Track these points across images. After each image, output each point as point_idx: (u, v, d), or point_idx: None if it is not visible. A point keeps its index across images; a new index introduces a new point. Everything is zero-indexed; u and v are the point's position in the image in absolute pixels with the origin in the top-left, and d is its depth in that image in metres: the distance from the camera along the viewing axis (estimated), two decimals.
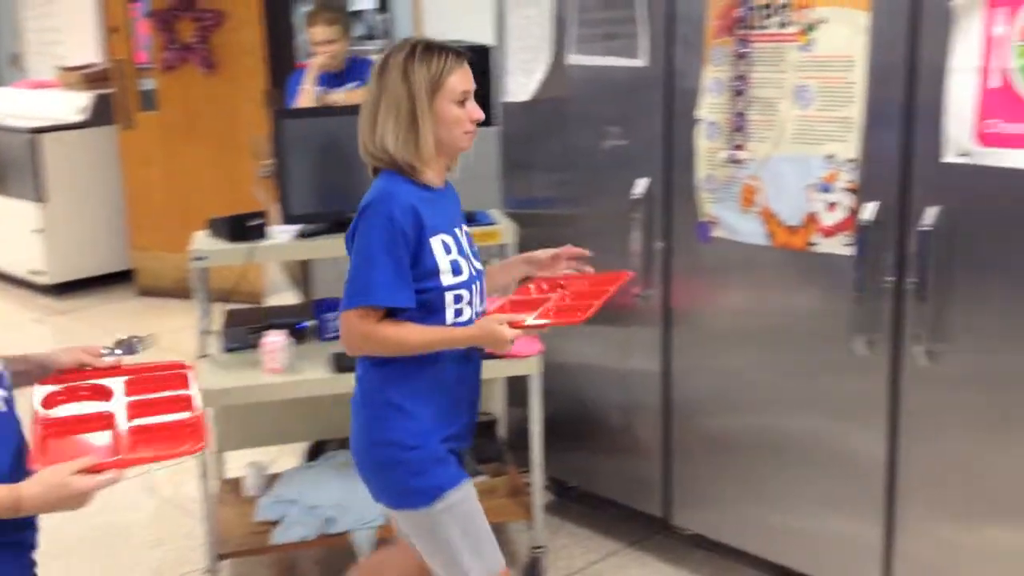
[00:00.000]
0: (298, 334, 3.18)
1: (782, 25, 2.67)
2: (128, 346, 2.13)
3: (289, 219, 3.17)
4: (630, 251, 3.02)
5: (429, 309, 2.16)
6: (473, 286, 2.23)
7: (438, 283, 2.15)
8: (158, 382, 2.00)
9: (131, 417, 1.84)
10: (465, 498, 2.23)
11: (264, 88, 5.78)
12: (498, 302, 2.39)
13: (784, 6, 2.65)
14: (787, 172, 2.71)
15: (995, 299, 2.40)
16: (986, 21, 2.31)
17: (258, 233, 3.17)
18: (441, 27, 4.72)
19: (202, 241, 3.20)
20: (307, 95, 4.23)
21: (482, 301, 2.29)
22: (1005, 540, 2.48)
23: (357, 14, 6.20)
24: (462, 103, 2.16)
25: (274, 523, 3.13)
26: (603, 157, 3.16)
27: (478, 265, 2.29)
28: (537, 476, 3.14)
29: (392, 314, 2.13)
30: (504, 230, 3.26)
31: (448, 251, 2.18)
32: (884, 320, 2.58)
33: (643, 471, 3.25)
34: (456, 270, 2.18)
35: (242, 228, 3.15)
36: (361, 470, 2.27)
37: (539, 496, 3.17)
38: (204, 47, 5.91)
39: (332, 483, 3.25)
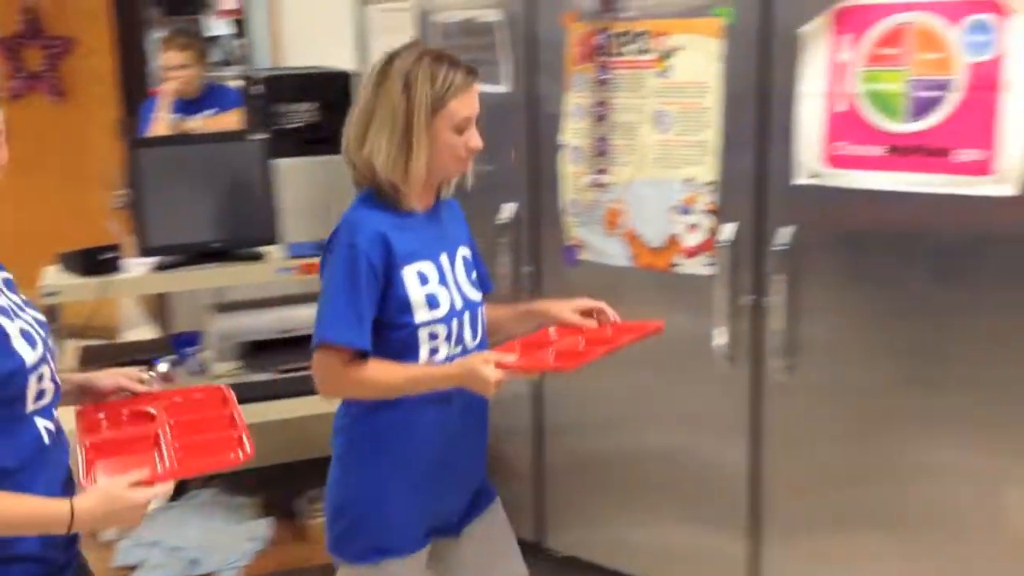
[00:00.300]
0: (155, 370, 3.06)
1: (640, 52, 2.73)
2: (165, 375, 2.04)
3: (146, 251, 3.07)
4: (499, 276, 3.03)
5: (403, 347, 1.95)
6: (456, 320, 1.99)
7: (410, 319, 1.94)
8: (198, 405, 1.96)
9: (175, 436, 1.79)
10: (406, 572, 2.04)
11: (117, 117, 5.60)
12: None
13: (641, 34, 2.71)
14: (649, 195, 2.77)
15: (847, 313, 2.49)
16: (832, 48, 2.41)
17: (111, 266, 3.06)
18: (300, 53, 4.67)
19: (53, 276, 3.07)
20: (162, 123, 4.11)
21: (476, 335, 2.06)
22: (868, 547, 2.57)
23: (214, 40, 6.07)
24: (461, 130, 1.96)
25: (134, 567, 3.01)
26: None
27: (473, 294, 2.06)
28: None
29: (367, 352, 1.93)
30: None
31: (424, 282, 1.96)
32: (744, 337, 2.66)
33: (516, 496, 3.25)
34: (432, 303, 1.96)
35: (95, 262, 3.04)
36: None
37: None
38: (53, 75, 5.71)
39: (195, 523, 3.14)
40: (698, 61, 2.62)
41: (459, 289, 2.02)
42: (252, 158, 3.27)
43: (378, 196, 1.96)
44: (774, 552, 2.74)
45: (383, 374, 1.91)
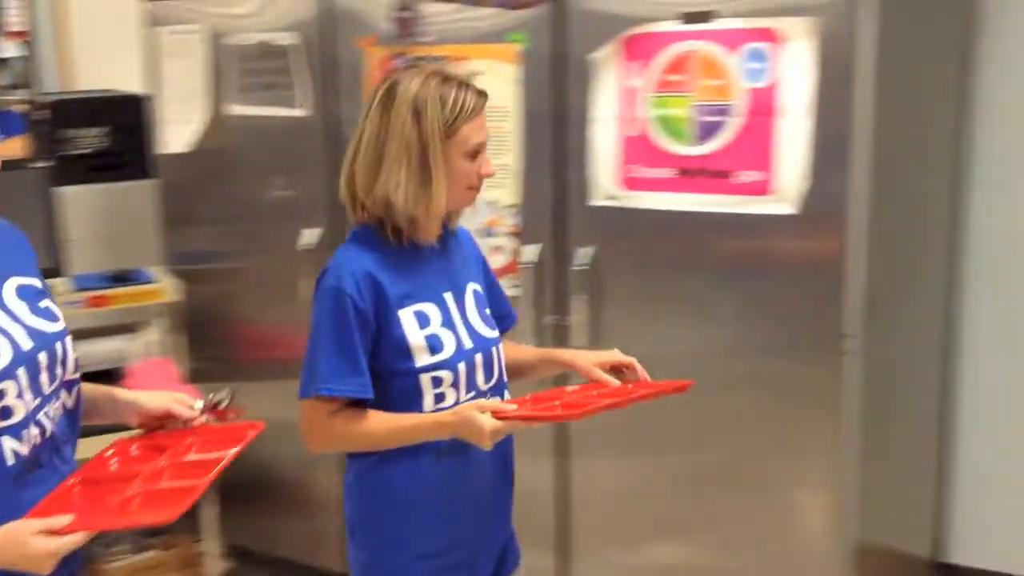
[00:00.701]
0: None
1: None
2: (215, 404, 1.75)
3: None
4: (300, 303, 2.97)
5: (405, 395, 1.77)
6: (465, 363, 1.79)
7: (410, 364, 1.75)
8: (221, 442, 1.66)
9: (156, 479, 1.54)
10: None
11: None
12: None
13: (440, 59, 2.73)
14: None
15: (644, 328, 2.58)
16: (622, 74, 2.50)
17: None
18: (91, 76, 4.46)
19: None
20: None
21: (491, 377, 1.85)
22: (669, 556, 2.65)
23: (3, 62, 5.73)
24: (474, 156, 1.79)
25: None
26: (268, 208, 3.10)
27: (488, 332, 1.86)
28: (213, 544, 2.99)
29: (361, 402, 1.75)
30: (165, 289, 3.10)
31: (425, 324, 1.77)
32: None
33: (322, 526, 3.18)
34: (435, 347, 1.77)
35: None
36: None
37: (216, 566, 3.01)
38: None
39: None
40: (497, 86, 2.66)
41: (468, 328, 1.83)
42: (33, 187, 3.09)
43: (377, 233, 1.79)
44: (581, 567, 2.79)
45: (372, 425, 1.74)
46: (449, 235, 1.88)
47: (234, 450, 1.59)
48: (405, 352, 1.75)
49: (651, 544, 2.67)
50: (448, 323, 1.79)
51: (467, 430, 1.66)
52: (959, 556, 3.08)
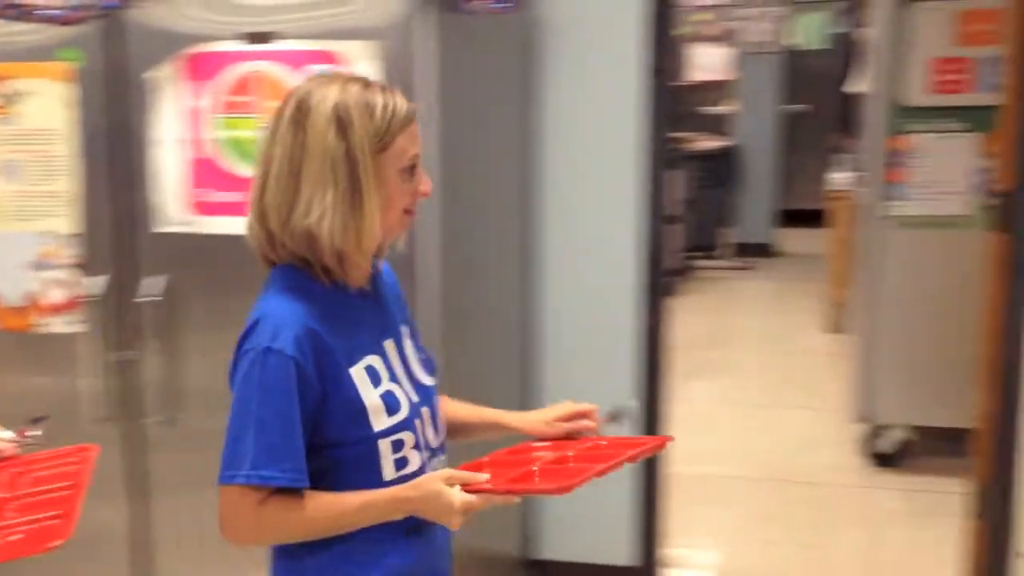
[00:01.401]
0: None
1: None
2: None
3: None
4: None
5: (361, 466, 1.48)
6: (418, 420, 1.54)
7: (367, 431, 1.47)
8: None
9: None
10: None
11: None
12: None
13: None
14: (4, 251, 2.54)
15: (221, 359, 2.47)
16: (186, 94, 2.40)
17: None
18: None
19: None
20: None
21: (438, 431, 1.60)
22: None
23: None
24: (411, 171, 1.50)
25: None
26: None
27: (426, 380, 1.60)
28: None
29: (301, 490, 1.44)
30: None
31: (377, 381, 1.50)
32: (118, 394, 2.53)
33: None
34: (392, 407, 1.50)
35: None
36: None
37: None
38: None
39: None
40: (46, 106, 2.46)
41: (411, 379, 1.57)
42: None
43: (302, 272, 1.49)
44: None
45: (314, 511, 1.44)
46: (376, 272, 1.59)
47: None
48: (361, 416, 1.47)
49: None
50: (392, 377, 1.53)
51: (432, 506, 1.42)
52: (549, 551, 3.26)
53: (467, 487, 1.43)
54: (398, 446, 1.50)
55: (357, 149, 1.43)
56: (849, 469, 4.08)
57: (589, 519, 3.20)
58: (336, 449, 1.47)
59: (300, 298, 1.46)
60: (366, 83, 1.49)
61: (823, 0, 8.33)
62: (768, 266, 7.70)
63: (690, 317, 5.86)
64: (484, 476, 1.46)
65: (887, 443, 3.97)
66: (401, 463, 1.51)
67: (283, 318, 1.44)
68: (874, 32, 3.99)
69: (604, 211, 3.07)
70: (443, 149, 2.35)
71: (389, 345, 1.56)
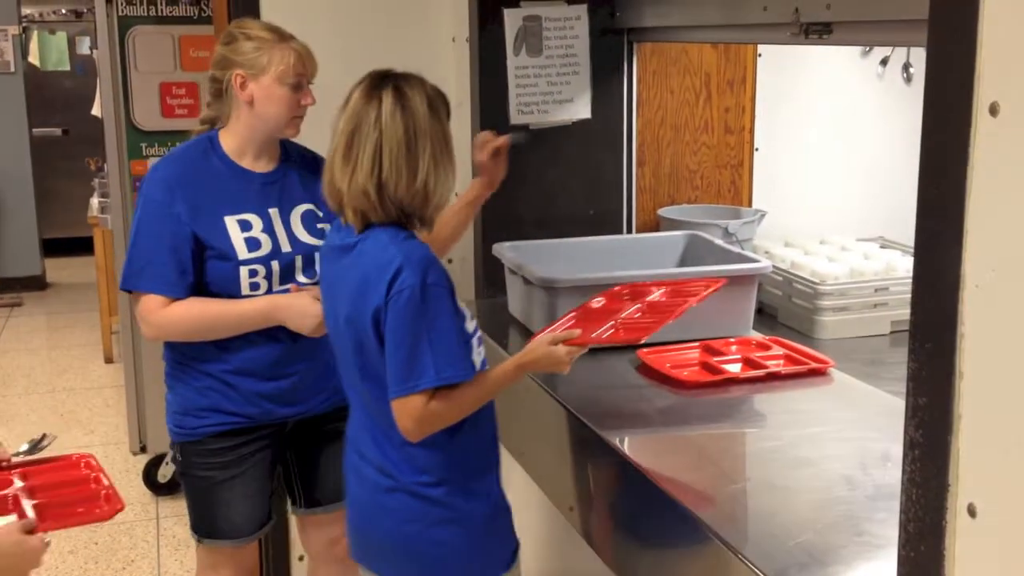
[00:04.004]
0: None
1: None
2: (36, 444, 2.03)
3: None
4: None
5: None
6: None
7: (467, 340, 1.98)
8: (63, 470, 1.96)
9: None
10: None
11: None
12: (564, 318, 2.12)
13: None
14: None
15: None
16: None
17: None
18: None
19: None
20: None
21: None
22: None
23: None
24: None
25: None
26: None
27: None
28: None
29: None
30: None
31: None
32: None
33: None
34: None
35: None
36: None
37: None
38: None
39: None
40: None
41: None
42: None
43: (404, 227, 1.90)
44: None
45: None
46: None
47: None
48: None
49: None
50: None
51: (546, 363, 1.88)
52: None
53: (567, 342, 1.89)
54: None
55: (446, 126, 1.90)
56: (136, 502, 3.97)
57: None
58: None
59: (422, 244, 1.87)
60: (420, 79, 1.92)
61: (57, 20, 7.98)
62: (40, 299, 7.24)
63: None
64: (577, 332, 1.95)
65: (167, 471, 3.91)
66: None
67: (428, 257, 1.83)
68: (101, 55, 3.90)
69: None
70: None
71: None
